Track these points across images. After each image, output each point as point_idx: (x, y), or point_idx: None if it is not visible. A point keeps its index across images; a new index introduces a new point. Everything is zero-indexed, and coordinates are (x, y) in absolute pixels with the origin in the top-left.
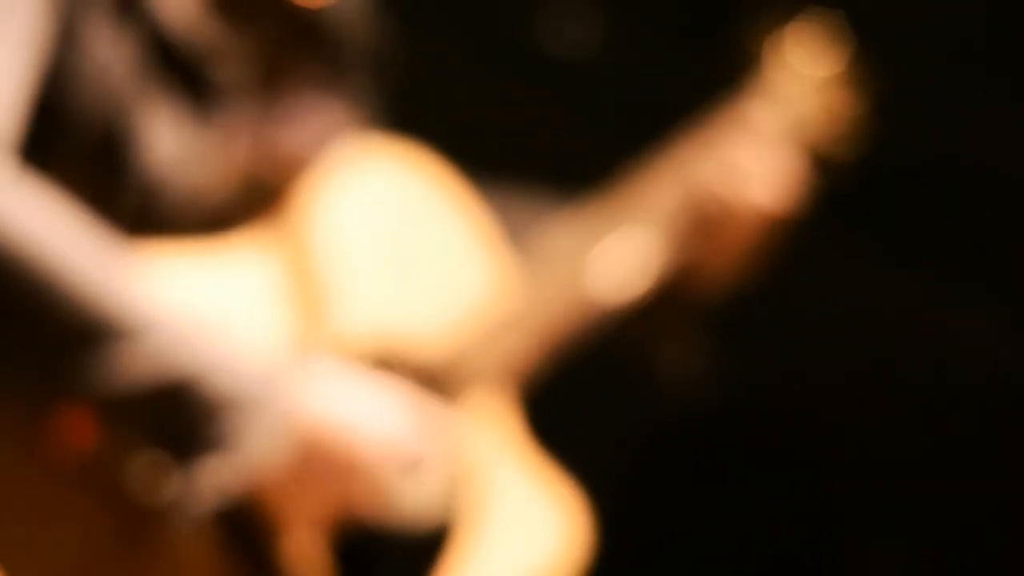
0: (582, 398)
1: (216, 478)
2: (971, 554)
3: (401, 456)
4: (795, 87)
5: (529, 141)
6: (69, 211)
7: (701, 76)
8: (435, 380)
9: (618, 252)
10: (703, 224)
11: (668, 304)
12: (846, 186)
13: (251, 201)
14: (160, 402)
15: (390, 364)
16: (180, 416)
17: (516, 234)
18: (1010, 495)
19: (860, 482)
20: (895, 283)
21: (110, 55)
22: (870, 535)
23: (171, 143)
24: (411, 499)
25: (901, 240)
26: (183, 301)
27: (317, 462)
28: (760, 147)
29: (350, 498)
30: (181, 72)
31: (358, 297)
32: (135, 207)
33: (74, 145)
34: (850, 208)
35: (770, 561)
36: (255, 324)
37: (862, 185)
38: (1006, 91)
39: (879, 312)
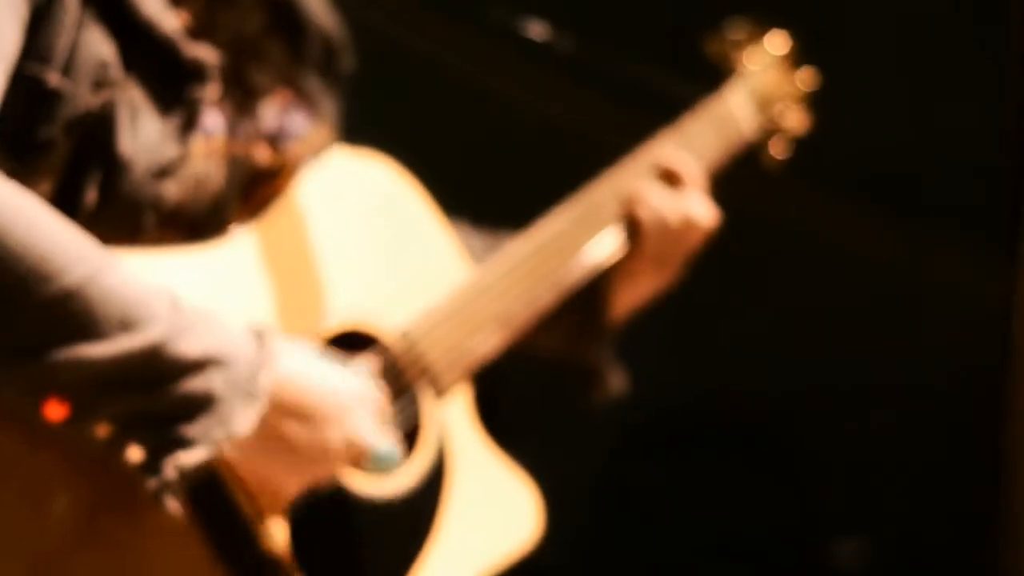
0: (551, 400)
1: (190, 443)
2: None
3: (366, 410)
4: (754, 73)
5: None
6: (46, 211)
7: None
8: (402, 367)
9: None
10: (648, 239)
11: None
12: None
13: (234, 193)
14: (131, 370)
15: (360, 348)
16: (151, 381)
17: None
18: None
19: (830, 476)
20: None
21: (96, 47)
22: (840, 528)
23: (149, 134)
24: (377, 456)
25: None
26: (161, 284)
27: (287, 420)
28: (696, 164)
29: (319, 458)
30: (159, 63)
31: (336, 288)
32: (116, 196)
33: (60, 133)
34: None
35: (745, 554)
36: (235, 313)
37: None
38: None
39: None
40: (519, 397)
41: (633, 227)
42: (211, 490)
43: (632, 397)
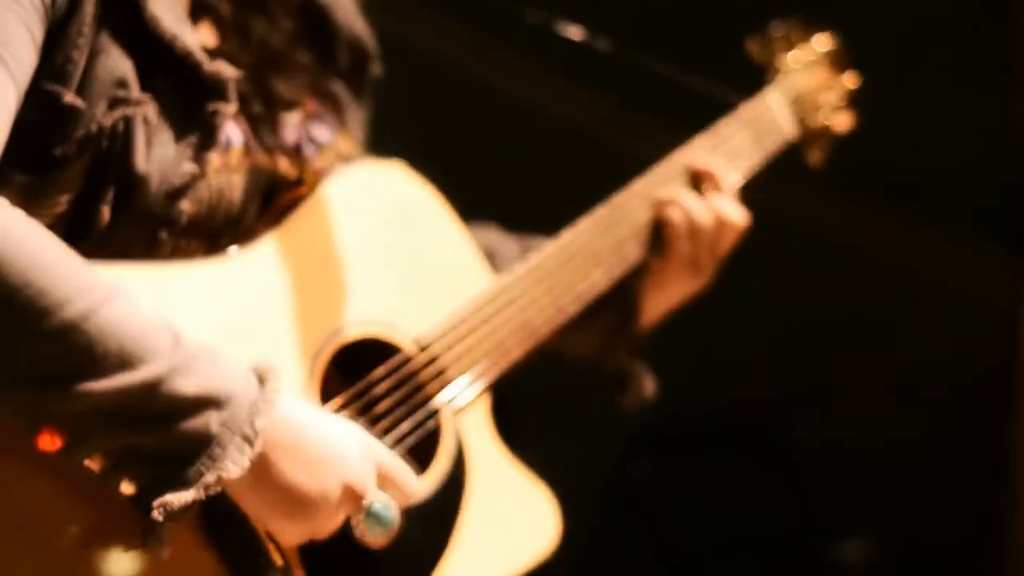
0: (560, 401)
1: (181, 484)
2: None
3: (367, 461)
4: (797, 74)
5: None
6: (51, 240)
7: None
8: (422, 379)
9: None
10: (681, 241)
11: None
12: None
13: (254, 204)
14: (128, 406)
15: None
16: (147, 418)
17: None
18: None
19: (837, 476)
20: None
21: (113, 65)
22: (846, 528)
23: (165, 152)
24: (375, 509)
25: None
26: (168, 316)
27: (284, 462)
28: (726, 167)
29: (317, 503)
30: (178, 80)
31: (356, 296)
32: (131, 213)
33: (75, 151)
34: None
35: (752, 554)
36: (250, 325)
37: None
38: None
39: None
40: (528, 398)
41: (665, 230)
42: (220, 505)
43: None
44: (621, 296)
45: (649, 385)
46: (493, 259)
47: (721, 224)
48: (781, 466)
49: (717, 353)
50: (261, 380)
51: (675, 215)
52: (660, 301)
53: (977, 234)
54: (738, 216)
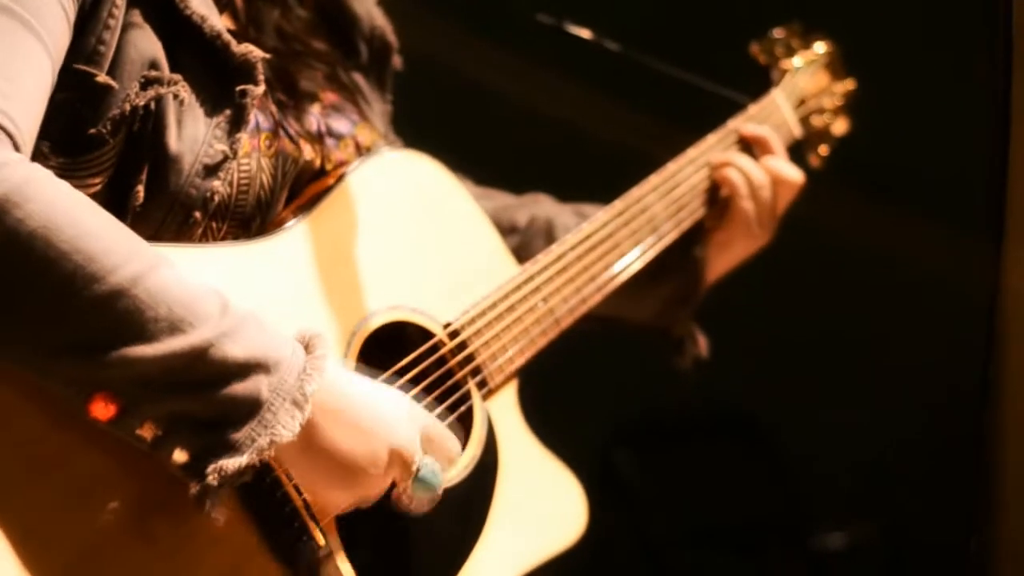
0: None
1: (234, 448)
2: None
3: (414, 425)
4: (799, 76)
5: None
6: (97, 209)
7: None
8: (452, 366)
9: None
10: (741, 200)
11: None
12: None
13: (282, 190)
14: (178, 371)
15: (407, 342)
16: (198, 383)
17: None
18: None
19: (820, 466)
20: None
21: (144, 46)
22: (829, 517)
23: (197, 132)
24: (423, 473)
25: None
26: (209, 285)
27: (334, 427)
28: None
29: (366, 467)
30: (208, 62)
31: (383, 283)
32: (164, 192)
33: (109, 131)
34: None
35: (735, 543)
36: (284, 309)
37: None
38: None
39: None
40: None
41: (724, 192)
42: (264, 482)
43: (623, 388)
44: (685, 264)
45: (703, 344)
46: (551, 229)
47: (778, 182)
48: (764, 455)
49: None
50: (308, 347)
51: (734, 176)
52: (723, 263)
53: (953, 220)
54: (794, 174)
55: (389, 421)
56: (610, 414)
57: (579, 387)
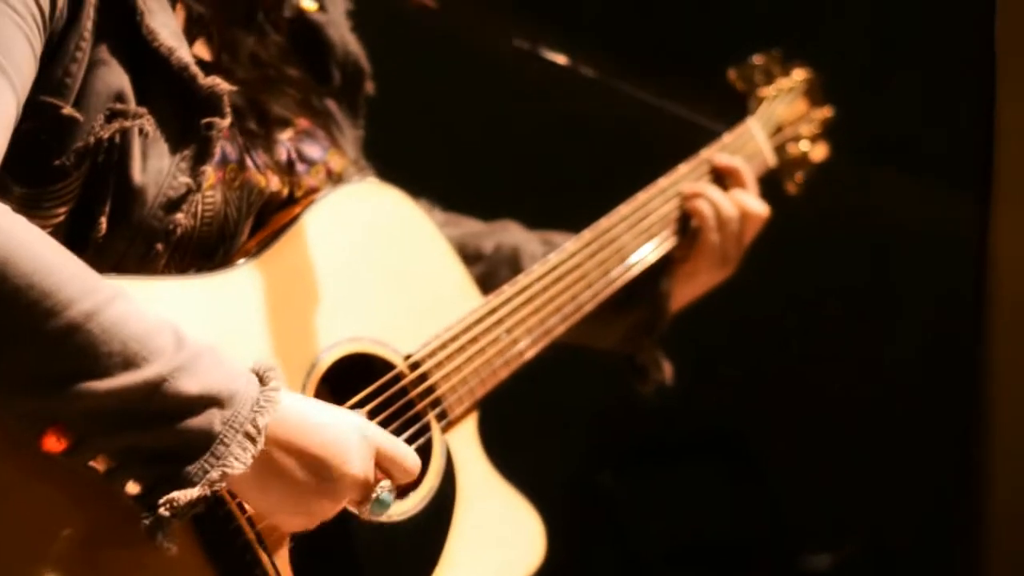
0: (525, 415)
1: (186, 481)
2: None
3: (366, 450)
4: (776, 104)
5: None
6: (52, 244)
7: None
8: (412, 397)
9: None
10: (709, 232)
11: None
12: None
13: (246, 221)
14: (132, 405)
15: (368, 373)
16: (151, 417)
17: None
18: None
19: (805, 485)
20: None
21: (111, 78)
22: (814, 537)
23: (161, 165)
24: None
25: None
26: (167, 317)
27: (287, 457)
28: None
29: (319, 495)
30: (174, 94)
31: (345, 314)
32: (127, 225)
33: (73, 162)
34: None
35: (718, 562)
36: (243, 340)
37: None
38: None
39: None
40: (495, 408)
41: (693, 223)
42: (217, 515)
43: (607, 405)
44: (651, 293)
45: (668, 370)
46: (517, 257)
47: (746, 215)
48: (750, 475)
49: (684, 360)
50: (262, 379)
51: (703, 207)
52: (688, 293)
53: (940, 177)
54: (761, 208)
55: (343, 448)
56: (595, 434)
57: (564, 407)
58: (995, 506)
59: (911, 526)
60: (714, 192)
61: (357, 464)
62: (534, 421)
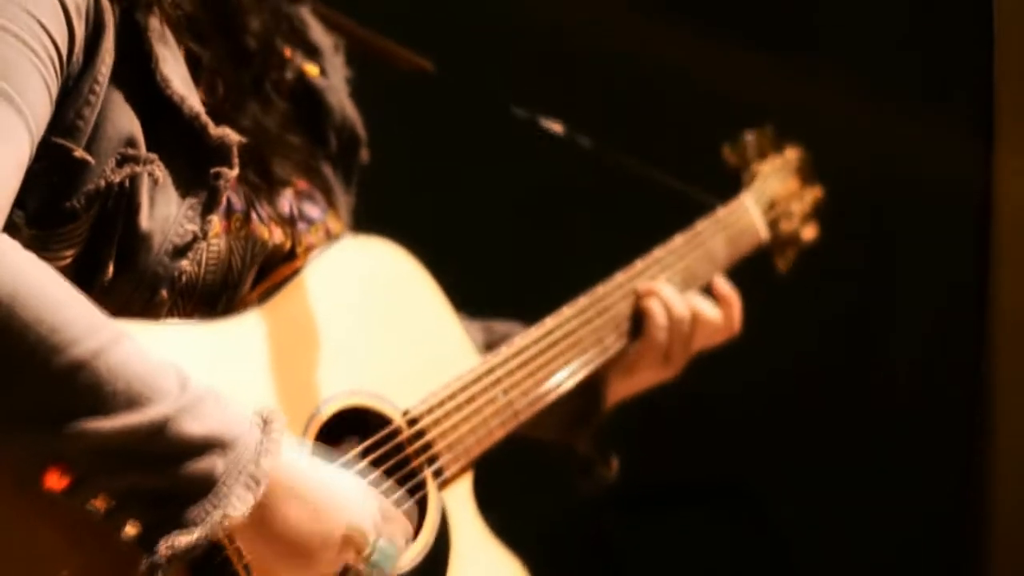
0: (531, 461)
1: (187, 524)
2: None
3: (368, 503)
4: (769, 182)
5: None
6: (61, 281)
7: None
8: (408, 454)
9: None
10: (656, 331)
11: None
12: None
13: (249, 272)
14: (135, 446)
15: (364, 428)
16: (154, 458)
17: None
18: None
19: (806, 531)
20: None
21: (123, 123)
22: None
23: (169, 212)
24: (378, 550)
25: None
26: (170, 361)
27: (288, 504)
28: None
29: (319, 545)
30: (185, 142)
31: (342, 368)
32: (133, 269)
33: (83, 205)
34: None
35: None
36: (243, 390)
37: None
38: None
39: None
40: (501, 454)
41: (642, 320)
42: (214, 560)
43: (617, 454)
44: (588, 384)
45: (614, 466)
46: None
47: (696, 320)
48: (751, 519)
49: (690, 410)
50: (266, 425)
51: (654, 305)
52: (625, 387)
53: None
54: (715, 316)
55: (343, 502)
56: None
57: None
58: (1000, 556)
59: (917, 573)
60: (667, 290)
61: (356, 520)
62: (536, 463)
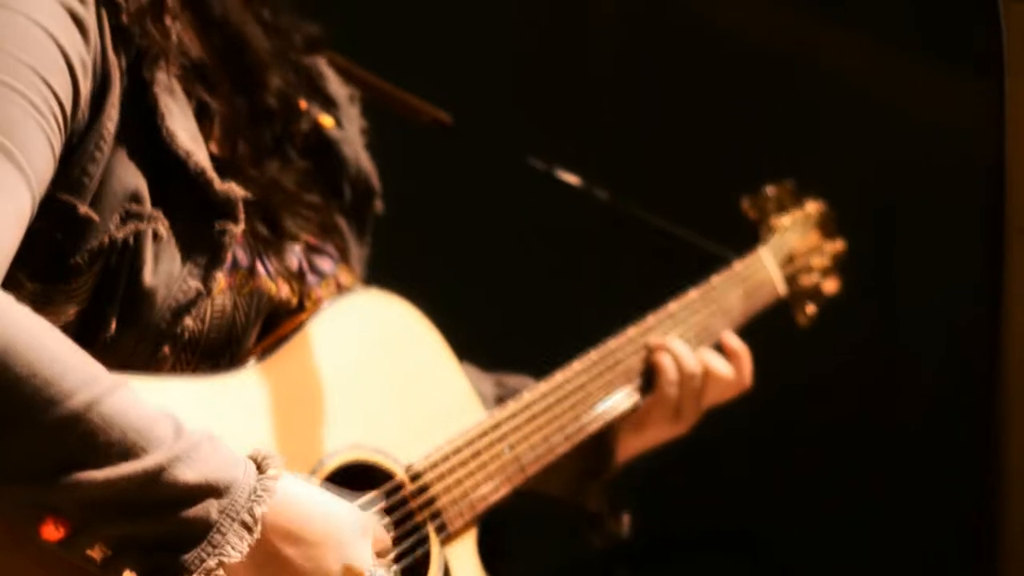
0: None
1: (183, 570)
2: None
3: (365, 540)
4: (789, 235)
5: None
6: (56, 333)
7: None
8: (412, 507)
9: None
10: (667, 387)
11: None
12: None
13: (253, 327)
14: (130, 495)
15: (370, 481)
16: (149, 506)
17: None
18: None
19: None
20: None
21: (128, 180)
22: None
23: (173, 268)
24: None
25: None
26: (165, 410)
27: (284, 545)
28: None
29: None
30: (190, 198)
31: (347, 421)
32: (135, 325)
33: (86, 261)
34: None
35: None
36: (245, 444)
37: None
38: None
39: None
40: (513, 502)
41: (653, 375)
42: None
43: (626, 503)
44: (597, 439)
45: (625, 522)
46: None
47: (707, 375)
48: (767, 570)
49: (702, 455)
50: (260, 467)
51: (665, 360)
52: (636, 443)
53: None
54: (727, 371)
55: (341, 537)
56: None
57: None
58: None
59: None
60: (678, 346)
61: (354, 555)
62: (550, 513)
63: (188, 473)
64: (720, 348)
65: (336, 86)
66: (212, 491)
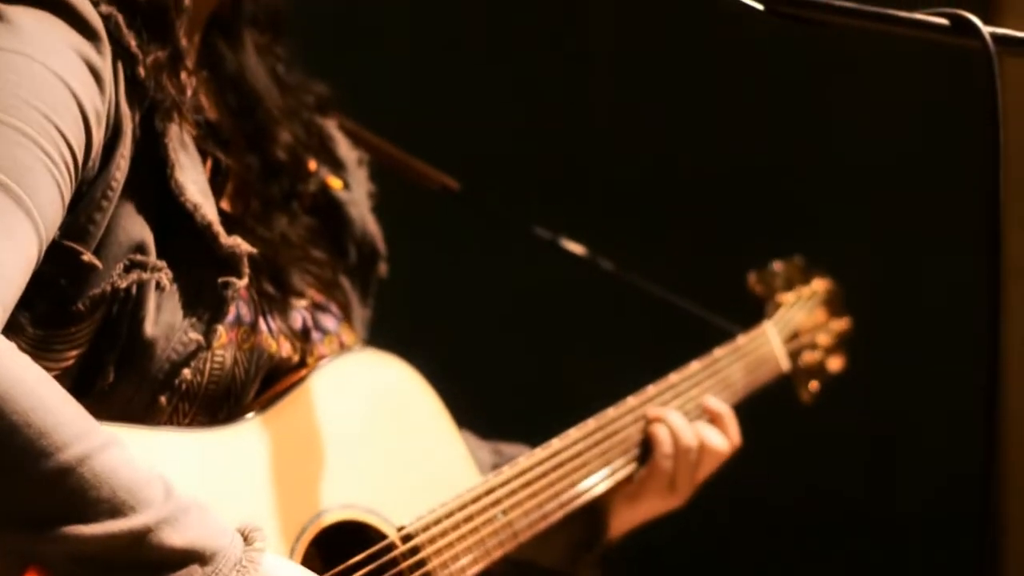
0: None
1: None
2: None
3: None
4: (795, 312)
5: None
6: (52, 385)
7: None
8: (403, 570)
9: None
10: (663, 459)
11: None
12: None
13: (252, 383)
14: (116, 553)
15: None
16: (134, 566)
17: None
18: None
19: None
20: None
21: (133, 230)
22: None
23: (175, 320)
24: None
25: None
26: (158, 469)
27: None
28: (725, 395)
29: None
30: (195, 251)
31: (340, 481)
32: (134, 375)
33: (88, 309)
34: None
35: None
36: (235, 498)
37: None
38: None
39: None
40: None
41: (649, 447)
42: None
43: (630, 552)
44: (591, 510)
45: None
46: None
47: (703, 449)
48: None
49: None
50: (247, 539)
51: (661, 432)
52: (631, 515)
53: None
54: (722, 444)
55: None
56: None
57: None
58: None
59: None
60: (675, 418)
61: None
62: None
63: (175, 537)
64: (704, 414)
65: (345, 149)
66: (197, 557)
